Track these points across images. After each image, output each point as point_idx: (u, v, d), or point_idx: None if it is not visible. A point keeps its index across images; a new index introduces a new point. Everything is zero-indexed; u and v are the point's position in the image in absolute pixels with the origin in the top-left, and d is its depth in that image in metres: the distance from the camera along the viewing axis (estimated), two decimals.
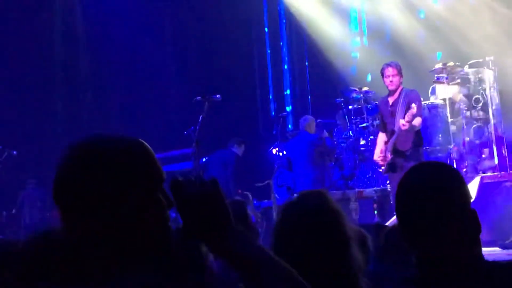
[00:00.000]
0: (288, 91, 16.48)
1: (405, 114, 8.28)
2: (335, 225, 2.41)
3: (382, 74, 8.69)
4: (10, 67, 14.12)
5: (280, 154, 12.83)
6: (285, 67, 16.61)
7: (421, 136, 8.66)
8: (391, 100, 8.66)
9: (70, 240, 1.63)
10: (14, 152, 12.02)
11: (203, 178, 1.69)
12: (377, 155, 8.78)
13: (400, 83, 8.62)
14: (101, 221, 1.59)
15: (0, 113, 13.86)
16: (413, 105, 8.16)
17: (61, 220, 1.63)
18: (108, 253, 1.60)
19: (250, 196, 11.25)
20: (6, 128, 13.52)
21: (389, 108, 8.67)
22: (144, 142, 1.70)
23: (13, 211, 12.50)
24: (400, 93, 8.57)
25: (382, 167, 8.78)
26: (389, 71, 8.54)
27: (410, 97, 8.43)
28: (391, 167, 8.49)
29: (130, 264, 1.60)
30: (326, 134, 11.07)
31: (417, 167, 2.19)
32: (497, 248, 8.02)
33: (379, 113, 9.36)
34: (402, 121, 8.19)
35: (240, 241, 1.64)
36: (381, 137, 8.89)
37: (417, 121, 8.33)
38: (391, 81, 8.54)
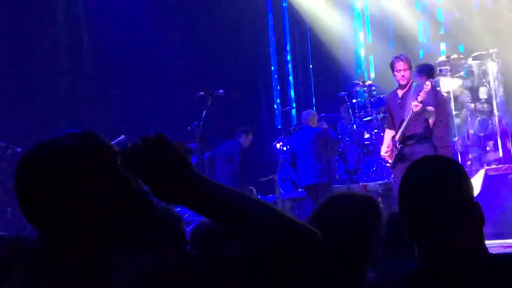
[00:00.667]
0: (291, 86, 16.48)
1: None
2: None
3: (392, 68, 8.55)
4: (13, 63, 14.13)
5: (284, 148, 12.83)
6: (289, 61, 16.60)
7: (431, 131, 8.46)
8: (400, 93, 8.52)
9: (53, 247, 1.63)
10: (19, 149, 12.01)
11: (144, 137, 1.68)
12: (384, 151, 8.67)
13: (410, 76, 8.52)
14: (73, 220, 1.60)
15: (4, 110, 13.89)
16: (427, 82, 8.06)
17: (38, 233, 1.65)
18: (92, 246, 1.61)
19: (254, 190, 11.27)
20: (10, 125, 13.53)
21: (398, 101, 8.56)
22: (85, 131, 1.72)
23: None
24: (410, 86, 8.47)
25: (389, 162, 8.66)
26: (400, 65, 8.39)
27: (421, 88, 8.30)
28: (400, 157, 8.35)
29: (117, 247, 1.62)
30: (325, 126, 11.03)
31: (420, 160, 2.19)
32: (501, 241, 8.01)
33: (386, 108, 9.23)
34: (414, 102, 8.03)
35: (205, 182, 1.63)
36: (388, 133, 8.74)
37: (431, 107, 8.19)
38: (402, 76, 8.41)
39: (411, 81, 8.50)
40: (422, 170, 2.12)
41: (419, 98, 7.98)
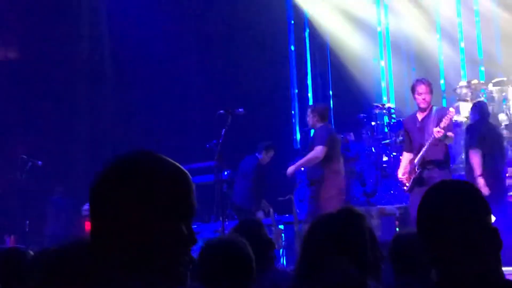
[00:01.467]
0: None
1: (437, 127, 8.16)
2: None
3: (414, 91, 8.54)
4: (35, 78, 14.27)
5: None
6: (309, 82, 16.62)
7: (449, 154, 8.49)
8: (420, 116, 8.50)
9: (93, 246, 1.68)
10: (39, 162, 12.11)
11: None
12: (401, 173, 8.64)
13: (431, 100, 8.51)
14: (125, 234, 1.64)
15: (26, 124, 14.01)
16: (451, 108, 8.06)
17: (90, 221, 1.70)
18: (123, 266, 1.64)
19: (271, 209, 11.25)
20: (31, 138, 13.65)
21: (417, 125, 8.54)
22: (187, 173, 1.75)
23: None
24: (430, 110, 8.47)
25: (406, 185, 8.62)
26: (422, 88, 8.38)
27: (442, 113, 8.31)
28: (418, 181, 8.33)
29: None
30: (352, 136, 10.99)
31: (439, 184, 2.21)
32: None
33: (404, 131, 9.21)
34: (436, 128, 8.04)
35: None
36: (406, 156, 8.68)
37: (450, 133, 8.22)
38: (423, 99, 8.40)
39: (431, 105, 8.49)
40: (441, 193, 2.13)
41: (442, 124, 7.98)
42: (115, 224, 1.65)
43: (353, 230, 2.61)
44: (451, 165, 9.98)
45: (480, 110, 9.37)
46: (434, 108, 8.47)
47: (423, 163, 8.31)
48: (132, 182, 1.66)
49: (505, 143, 9.71)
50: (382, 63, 15.37)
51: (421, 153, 8.29)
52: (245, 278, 3.17)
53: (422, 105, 8.42)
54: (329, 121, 15.54)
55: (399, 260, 3.45)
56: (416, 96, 8.44)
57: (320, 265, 2.53)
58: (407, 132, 8.81)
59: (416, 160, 8.35)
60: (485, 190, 8.30)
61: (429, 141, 8.18)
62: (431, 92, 8.42)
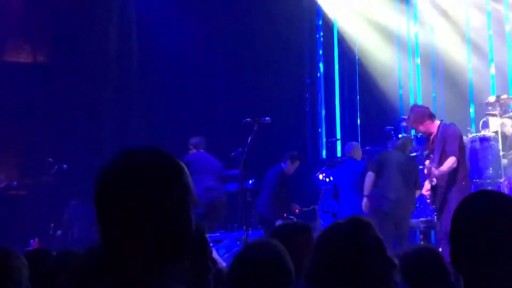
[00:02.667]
0: (338, 117, 16.44)
1: (441, 153, 8.20)
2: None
3: None
4: (61, 82, 14.38)
5: (327, 179, 12.78)
6: (336, 92, 16.59)
7: (458, 169, 8.44)
8: (431, 136, 8.60)
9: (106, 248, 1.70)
10: (65, 166, 12.17)
11: None
12: (425, 189, 8.69)
13: (427, 126, 8.49)
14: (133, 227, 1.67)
15: (51, 128, 14.10)
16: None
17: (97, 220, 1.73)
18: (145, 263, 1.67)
19: (295, 220, 11.21)
20: (57, 142, 13.74)
21: (430, 146, 8.64)
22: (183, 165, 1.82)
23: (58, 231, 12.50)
24: (438, 129, 8.48)
25: (429, 199, 8.71)
26: (410, 125, 8.57)
27: (446, 134, 8.34)
28: (434, 201, 8.45)
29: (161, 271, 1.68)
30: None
31: (477, 195, 2.18)
32: None
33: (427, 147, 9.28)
34: (426, 171, 8.14)
35: None
36: None
37: (447, 164, 8.17)
38: (419, 132, 8.59)
39: (436, 123, 8.47)
40: (475, 204, 2.10)
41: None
42: (132, 220, 1.66)
43: (359, 239, 2.58)
44: (476, 179, 9.93)
45: None
46: (441, 126, 8.47)
47: (434, 186, 8.39)
48: (143, 175, 1.69)
49: None
50: (411, 75, 15.28)
51: (428, 178, 8.39)
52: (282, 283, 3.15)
53: (423, 134, 8.56)
54: (355, 133, 15.56)
55: (411, 275, 3.45)
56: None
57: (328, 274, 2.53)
58: (428, 149, 8.91)
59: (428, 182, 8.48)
60: None
61: (431, 176, 8.27)
62: (418, 122, 8.44)
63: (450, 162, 8.21)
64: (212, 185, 9.72)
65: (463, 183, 8.50)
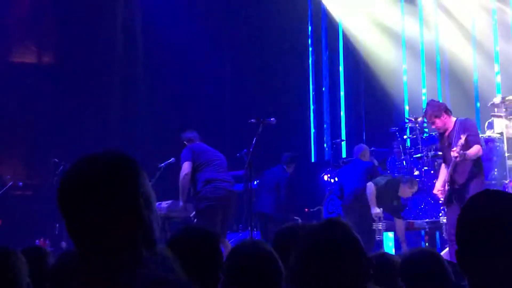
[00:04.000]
0: (343, 118, 16.45)
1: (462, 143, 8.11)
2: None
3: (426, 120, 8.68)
4: (69, 82, 14.41)
5: (332, 180, 12.79)
6: (342, 93, 16.59)
7: (480, 166, 8.36)
8: (446, 132, 8.51)
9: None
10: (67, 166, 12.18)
11: None
12: (437, 189, 8.57)
13: (444, 120, 8.43)
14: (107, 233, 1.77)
15: (57, 128, 14.13)
16: (462, 135, 7.99)
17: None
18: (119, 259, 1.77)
19: (300, 221, 11.21)
20: (63, 142, 13.76)
21: (445, 143, 8.51)
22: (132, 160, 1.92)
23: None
24: (454, 124, 8.41)
25: (441, 200, 8.58)
26: (428, 118, 8.43)
27: (464, 126, 8.25)
28: (449, 197, 8.29)
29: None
30: (376, 162, 11.01)
31: (483, 194, 2.17)
32: None
33: (439, 146, 9.21)
34: (453, 153, 8.00)
35: None
36: (443, 170, 8.64)
37: (473, 150, 8.08)
38: (435, 127, 8.47)
39: (452, 120, 8.41)
40: (482, 204, 2.10)
41: (457, 149, 7.91)
42: (99, 220, 1.77)
43: (334, 241, 2.59)
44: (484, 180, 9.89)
45: None
46: (458, 121, 8.40)
47: (452, 181, 8.25)
48: (94, 179, 1.81)
49: None
50: (416, 76, 15.26)
51: (449, 169, 8.24)
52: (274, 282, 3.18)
53: (440, 131, 8.45)
54: (360, 134, 15.55)
55: (410, 277, 3.46)
56: (431, 125, 8.52)
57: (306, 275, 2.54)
58: (440, 146, 8.80)
59: (446, 176, 8.31)
60: None
61: (452, 164, 8.12)
62: (435, 115, 8.34)
63: (476, 149, 8.09)
64: (215, 176, 9.37)
65: (482, 179, 8.43)
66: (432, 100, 8.88)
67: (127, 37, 15.44)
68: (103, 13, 15.01)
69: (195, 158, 9.32)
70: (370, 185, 9.76)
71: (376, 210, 9.63)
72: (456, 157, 7.93)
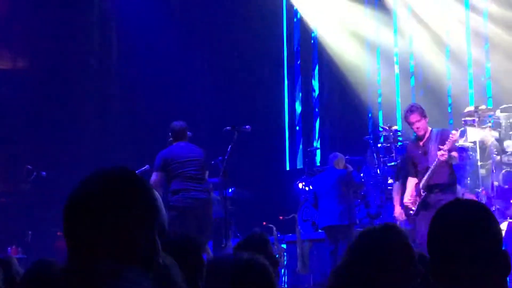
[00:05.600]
0: (317, 126, 16.50)
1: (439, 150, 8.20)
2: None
3: (407, 121, 8.66)
4: (43, 88, 14.32)
5: (307, 188, 12.81)
6: (315, 102, 16.64)
7: (455, 176, 8.55)
8: (421, 141, 8.58)
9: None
10: (43, 173, 12.09)
11: None
12: (407, 198, 8.61)
13: (427, 124, 8.55)
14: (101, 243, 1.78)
15: (31, 135, 14.03)
16: (453, 131, 8.11)
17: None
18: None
19: (274, 228, 11.22)
20: (36, 149, 13.66)
21: (420, 150, 8.57)
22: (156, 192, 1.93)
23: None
24: (430, 133, 8.50)
25: (412, 209, 8.59)
26: (414, 117, 8.45)
27: (443, 135, 8.35)
28: (424, 205, 8.33)
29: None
30: (350, 168, 11.04)
31: (453, 203, 2.19)
32: None
33: (407, 157, 9.21)
34: (440, 152, 8.07)
35: None
36: (412, 181, 8.66)
37: (455, 153, 8.24)
38: (418, 127, 8.49)
39: (429, 129, 8.53)
40: (454, 213, 2.12)
41: (445, 147, 8.01)
42: (97, 237, 1.78)
43: (391, 246, 2.63)
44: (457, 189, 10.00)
45: None
46: (434, 130, 8.51)
47: (429, 187, 8.32)
48: (112, 197, 1.81)
49: None
50: (390, 84, 15.35)
51: (426, 176, 8.31)
52: None
53: (419, 133, 8.49)
54: (335, 143, 15.60)
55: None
56: (411, 126, 8.53)
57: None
58: (411, 157, 8.81)
59: (421, 183, 8.36)
60: None
61: (434, 164, 8.20)
62: (424, 117, 8.44)
63: (456, 154, 8.30)
64: (182, 186, 9.09)
65: (456, 188, 8.59)
66: (416, 103, 9.01)
67: (102, 43, 15.38)
68: (77, 17, 14.93)
69: (165, 167, 9.01)
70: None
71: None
72: (442, 155, 8.00)
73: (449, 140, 8.05)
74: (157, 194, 1.90)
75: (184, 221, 8.76)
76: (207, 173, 9.29)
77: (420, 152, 8.54)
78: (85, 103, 15.02)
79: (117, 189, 1.82)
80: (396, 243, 2.60)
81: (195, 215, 8.86)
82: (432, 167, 8.24)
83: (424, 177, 8.36)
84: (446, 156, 8.01)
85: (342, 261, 2.70)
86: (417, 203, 8.39)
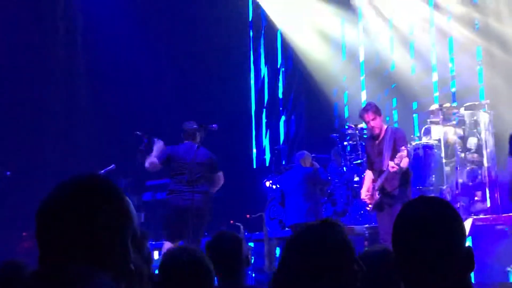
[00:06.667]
0: (282, 125, 16.53)
1: (392, 153, 8.32)
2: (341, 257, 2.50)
3: (362, 120, 8.77)
4: (6, 87, 14.13)
5: (274, 187, 12.83)
6: (281, 100, 16.67)
7: (408, 175, 8.69)
8: (376, 140, 8.69)
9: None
10: (8, 173, 11.96)
11: None
12: (364, 194, 8.79)
13: (382, 122, 8.66)
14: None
15: None
16: (403, 147, 8.21)
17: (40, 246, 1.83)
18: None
19: (241, 227, 11.22)
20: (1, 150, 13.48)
21: (375, 149, 8.70)
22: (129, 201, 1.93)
23: None
24: (385, 132, 8.61)
25: (369, 205, 8.78)
26: (369, 116, 8.54)
27: (396, 136, 8.47)
28: (379, 206, 8.54)
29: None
30: (317, 165, 11.09)
31: (417, 201, 2.21)
32: None
33: (365, 152, 9.38)
34: (391, 163, 8.20)
35: None
36: (369, 175, 8.92)
37: (404, 162, 8.34)
38: (373, 126, 8.58)
39: (384, 126, 8.64)
40: (419, 211, 2.14)
41: (396, 161, 8.13)
42: (67, 243, 1.79)
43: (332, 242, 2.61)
44: (419, 187, 10.13)
45: None
46: (389, 129, 8.61)
47: (382, 189, 8.48)
48: (81, 202, 1.82)
49: None
50: (356, 83, 15.44)
51: (379, 180, 8.46)
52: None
53: (374, 132, 8.58)
54: (301, 141, 15.64)
55: (367, 277, 3.47)
56: (367, 124, 8.62)
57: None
58: (368, 153, 8.99)
59: (377, 184, 8.52)
60: None
61: (385, 174, 8.34)
62: (379, 115, 8.55)
63: (406, 161, 8.39)
64: (176, 187, 9.29)
65: (409, 187, 8.72)
66: (371, 102, 9.12)
67: (66, 40, 15.23)
68: (43, 19, 14.77)
69: (167, 162, 9.40)
70: None
71: None
72: (393, 167, 8.14)
73: (398, 156, 8.17)
74: (129, 201, 1.91)
75: (170, 219, 9.10)
76: (217, 174, 9.53)
77: (375, 151, 8.68)
78: (50, 104, 14.84)
79: (88, 195, 1.83)
80: (333, 240, 2.58)
81: (189, 215, 9.00)
82: (384, 173, 8.38)
83: (378, 178, 8.51)
84: (396, 169, 8.16)
85: (280, 260, 2.70)
86: (374, 201, 8.58)
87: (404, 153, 8.15)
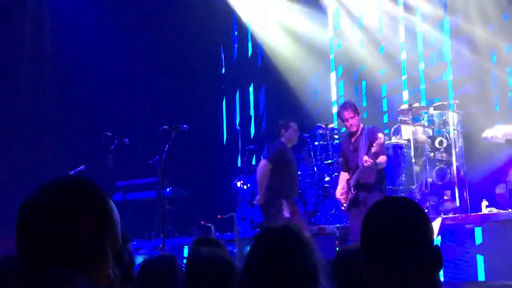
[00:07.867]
0: (252, 125, 16.53)
1: (368, 149, 8.38)
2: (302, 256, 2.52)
3: (340, 117, 8.85)
4: None
5: (245, 187, 12.82)
6: (252, 100, 16.67)
7: (383, 174, 8.76)
8: (353, 138, 8.78)
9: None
10: None
11: None
12: (339, 193, 8.87)
13: (359, 121, 8.76)
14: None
15: None
16: (380, 134, 8.29)
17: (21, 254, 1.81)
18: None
19: (212, 228, 11.20)
20: None
21: (351, 147, 8.77)
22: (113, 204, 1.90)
23: None
24: (362, 130, 8.70)
25: (344, 205, 8.85)
26: (348, 114, 8.63)
27: (373, 134, 8.52)
28: (354, 202, 8.58)
29: None
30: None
31: (385, 201, 2.22)
32: None
33: (341, 152, 9.46)
34: (365, 157, 8.27)
35: None
36: (343, 176, 9.02)
37: (382, 159, 8.43)
38: (350, 124, 8.66)
39: (361, 125, 8.73)
40: (386, 211, 2.15)
41: (373, 150, 8.19)
42: (47, 243, 1.77)
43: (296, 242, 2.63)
44: (389, 186, 10.20)
45: None
46: (366, 128, 8.70)
47: (358, 185, 8.55)
48: (61, 205, 1.79)
49: None
50: (326, 83, 15.49)
51: (355, 175, 8.52)
52: None
53: (352, 129, 8.68)
54: (272, 141, 15.64)
55: (342, 277, 3.49)
56: (344, 122, 8.71)
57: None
58: (343, 153, 9.08)
59: (351, 181, 8.58)
60: None
61: (360, 168, 8.40)
62: (357, 113, 8.66)
63: (384, 159, 8.51)
64: None
65: (384, 187, 8.80)
66: (350, 100, 9.22)
67: (35, 40, 15.08)
68: (10, 17, 14.61)
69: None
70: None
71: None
72: (366, 161, 8.19)
73: (375, 143, 8.23)
74: (113, 205, 1.89)
75: None
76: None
77: (351, 148, 8.76)
78: (18, 102, 14.68)
79: (70, 198, 1.81)
80: (293, 244, 2.62)
81: None
82: (360, 167, 8.45)
83: (353, 175, 8.58)
84: (370, 162, 8.22)
85: (244, 263, 2.72)
86: (348, 200, 8.63)
87: (381, 140, 8.23)
